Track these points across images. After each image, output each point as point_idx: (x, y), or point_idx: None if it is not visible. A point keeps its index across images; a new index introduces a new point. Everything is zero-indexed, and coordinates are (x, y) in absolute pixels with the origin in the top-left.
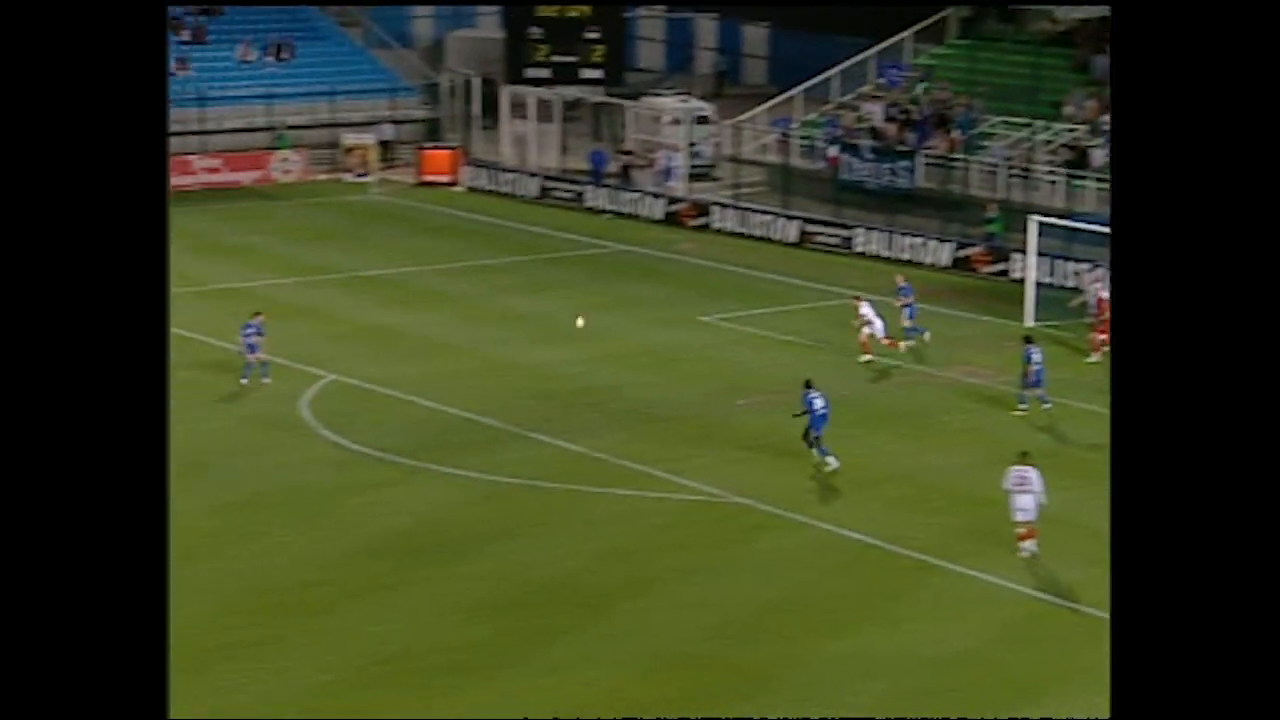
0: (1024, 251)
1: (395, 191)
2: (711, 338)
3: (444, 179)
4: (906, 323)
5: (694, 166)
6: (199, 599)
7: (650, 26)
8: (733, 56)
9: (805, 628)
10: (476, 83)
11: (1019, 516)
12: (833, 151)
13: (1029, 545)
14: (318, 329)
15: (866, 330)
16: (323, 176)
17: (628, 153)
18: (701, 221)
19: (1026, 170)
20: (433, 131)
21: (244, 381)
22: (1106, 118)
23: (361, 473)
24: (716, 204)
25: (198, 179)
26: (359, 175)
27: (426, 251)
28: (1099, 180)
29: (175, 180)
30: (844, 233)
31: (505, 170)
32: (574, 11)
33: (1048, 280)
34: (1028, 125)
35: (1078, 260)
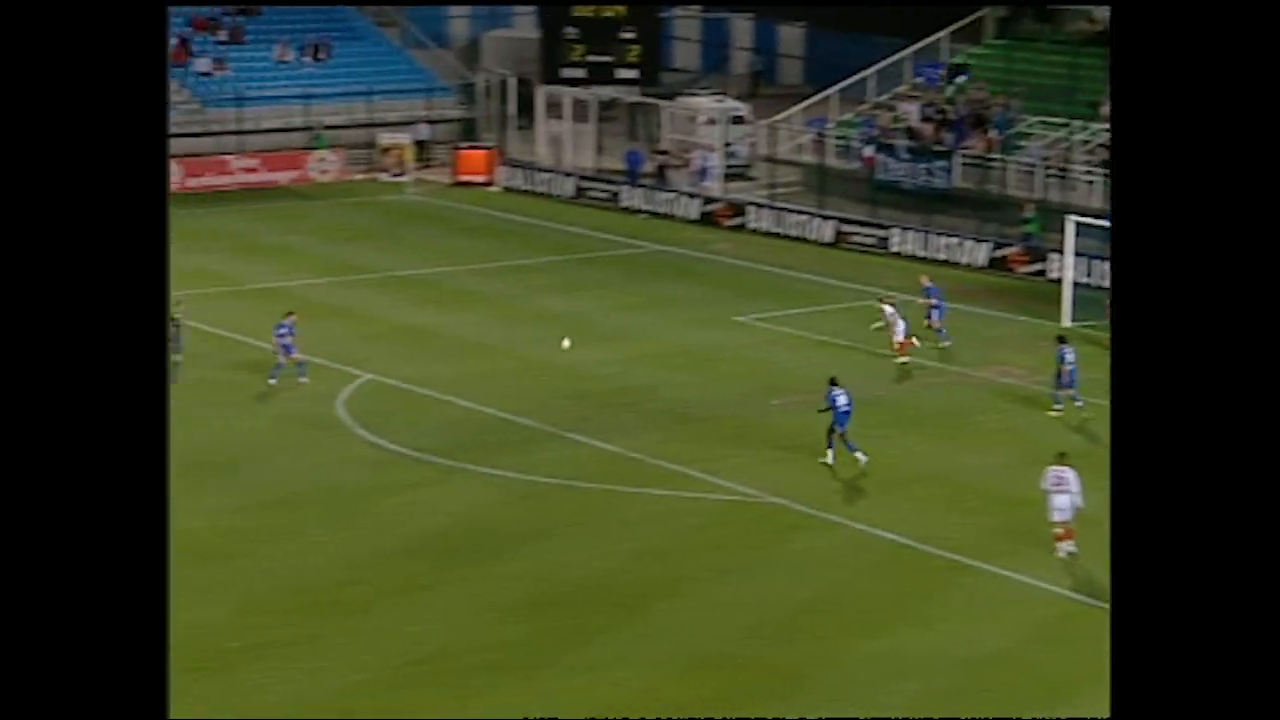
0: (1061, 251)
1: (431, 191)
2: (747, 338)
3: (480, 179)
4: (936, 323)
5: (729, 166)
6: (234, 597)
7: (686, 26)
8: (768, 56)
9: (839, 628)
10: (512, 83)
11: (1056, 516)
12: (868, 151)
13: (1067, 546)
14: (354, 329)
15: (894, 332)
16: (359, 176)
17: (663, 153)
18: (737, 221)
19: (1064, 170)
20: (469, 131)
21: (272, 382)
22: None
23: (397, 472)
24: (752, 204)
25: (235, 179)
26: (395, 175)
27: (462, 251)
28: None
29: (213, 180)
30: (880, 233)
31: (541, 170)
32: (610, 11)
33: (1085, 280)
34: (1065, 125)
35: None
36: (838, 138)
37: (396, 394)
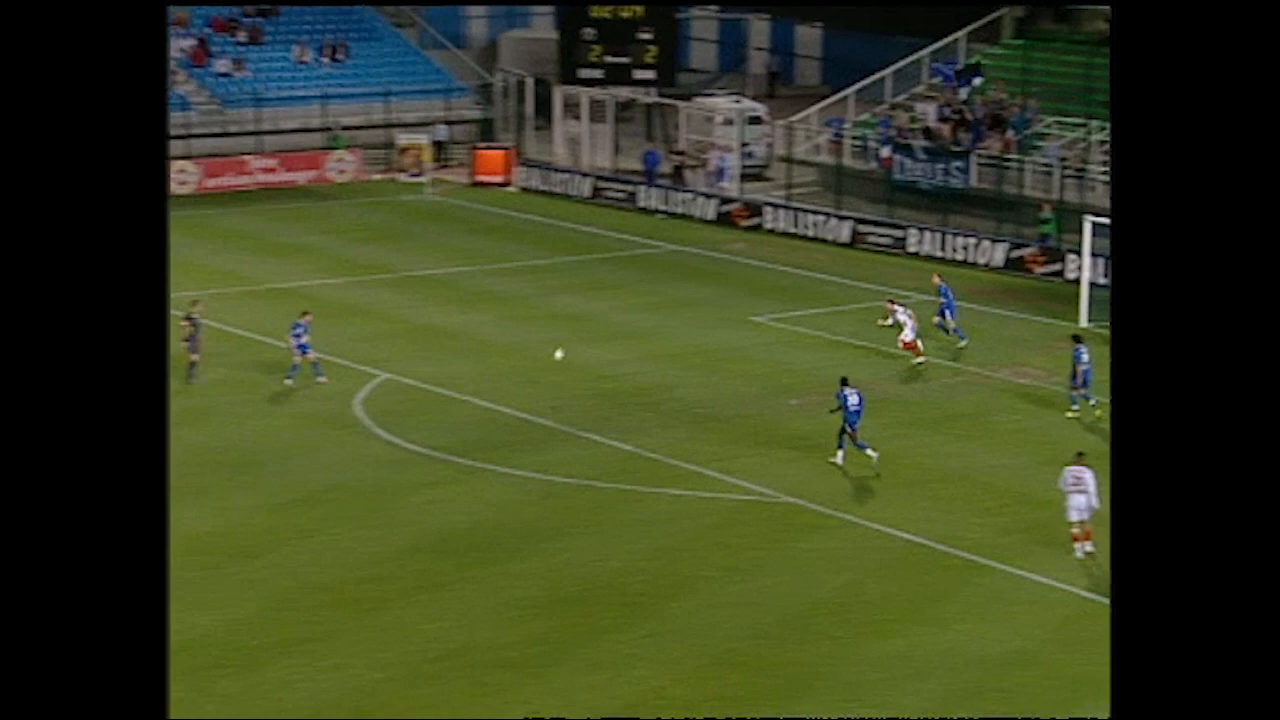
0: (1079, 252)
1: (449, 191)
2: (763, 338)
3: (497, 179)
4: (950, 323)
5: (746, 167)
6: (255, 596)
7: (703, 27)
8: (785, 57)
9: (854, 627)
10: (530, 83)
11: (1073, 516)
12: (886, 152)
13: (1084, 546)
14: (371, 328)
15: (904, 333)
16: (377, 176)
17: (680, 153)
18: (754, 222)
19: (1081, 171)
20: (486, 132)
21: (289, 382)
22: None
23: (415, 472)
24: (769, 204)
25: (254, 179)
26: (413, 175)
27: (480, 251)
28: None
29: (232, 180)
30: (897, 233)
31: (558, 170)
32: (627, 12)
33: (1102, 281)
34: (1082, 125)
35: None
36: (855, 138)
37: (414, 393)
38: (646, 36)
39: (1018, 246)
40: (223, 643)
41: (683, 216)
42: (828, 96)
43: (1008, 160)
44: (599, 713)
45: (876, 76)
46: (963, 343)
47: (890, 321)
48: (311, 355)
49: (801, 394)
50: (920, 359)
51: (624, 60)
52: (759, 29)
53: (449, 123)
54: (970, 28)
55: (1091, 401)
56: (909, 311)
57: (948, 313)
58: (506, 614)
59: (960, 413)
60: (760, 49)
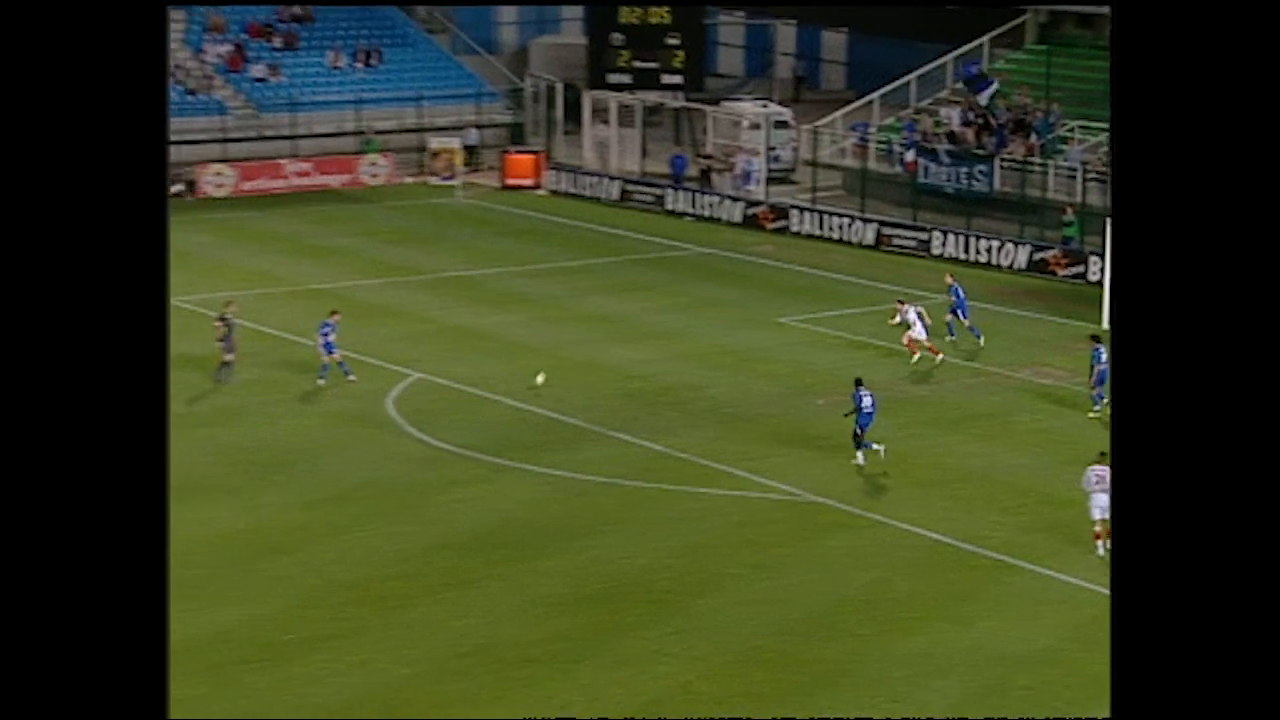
0: (1101, 254)
1: (480, 194)
2: (789, 338)
3: (527, 182)
4: (964, 322)
5: (773, 170)
6: (287, 592)
7: (730, 33)
8: (811, 62)
9: (878, 625)
10: (559, 88)
11: (1096, 515)
12: (910, 155)
13: (1107, 544)
14: (403, 329)
15: (910, 333)
16: (409, 180)
17: (707, 157)
18: (780, 224)
19: (1103, 174)
20: (517, 136)
21: (321, 381)
22: None
23: (446, 470)
24: (795, 207)
25: (289, 182)
26: (445, 178)
27: (510, 253)
28: None
29: (267, 184)
30: (921, 236)
31: (587, 174)
32: (655, 18)
33: None
34: (1104, 130)
35: None
36: (879, 142)
37: (446, 393)
38: (674, 42)
39: (1041, 249)
40: (251, 638)
41: (710, 219)
42: (853, 101)
43: (1031, 164)
44: (625, 708)
45: (901, 81)
46: (980, 341)
47: (898, 320)
48: (337, 355)
49: (827, 394)
50: (917, 356)
51: (652, 65)
52: (785, 34)
53: (480, 127)
54: (994, 33)
55: (1106, 400)
56: (919, 310)
57: (959, 312)
58: (533, 611)
59: (982, 413)
60: (786, 54)
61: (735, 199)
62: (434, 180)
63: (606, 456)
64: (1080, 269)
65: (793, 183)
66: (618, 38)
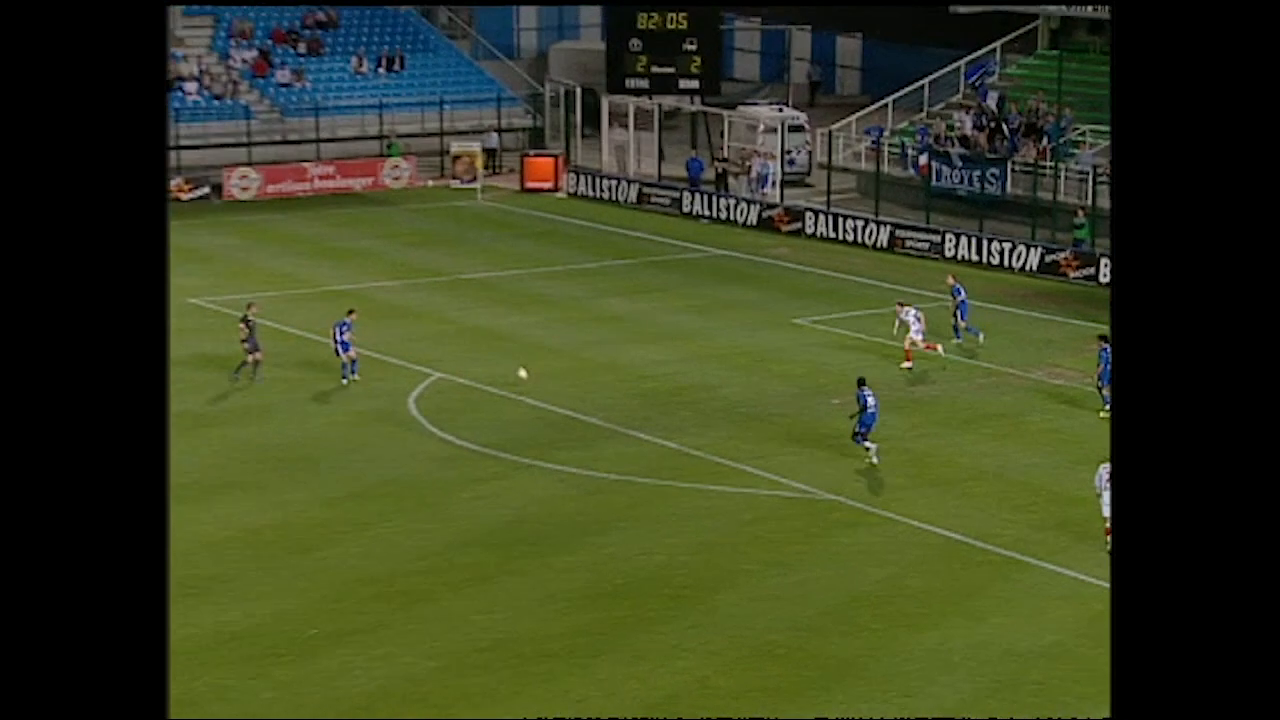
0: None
1: (500, 197)
2: (803, 340)
3: (546, 185)
4: (962, 322)
5: (788, 174)
6: (313, 587)
7: (746, 38)
8: (826, 67)
9: (890, 621)
10: (578, 93)
11: (1108, 512)
12: (923, 159)
13: None
14: (425, 329)
15: (908, 336)
16: (431, 183)
17: (724, 160)
18: (795, 227)
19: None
20: (536, 140)
21: (345, 381)
22: None
23: (466, 467)
24: (810, 210)
25: (313, 185)
26: (466, 182)
27: (529, 255)
28: None
29: (291, 187)
30: (934, 238)
31: (605, 177)
32: (673, 24)
33: None
34: None
35: None
36: (893, 146)
37: (466, 392)
38: (691, 47)
39: (1052, 251)
40: (278, 632)
41: (726, 222)
42: (867, 105)
43: (1043, 167)
44: (642, 703)
45: (914, 86)
46: (980, 339)
47: (899, 323)
48: (351, 353)
49: (842, 394)
50: (909, 363)
51: (669, 70)
52: (800, 40)
53: (500, 131)
54: (1005, 39)
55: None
56: (917, 313)
57: (959, 312)
58: (552, 606)
59: (994, 413)
60: (802, 59)
61: (751, 202)
62: (455, 183)
63: (623, 454)
64: (1091, 271)
65: (808, 186)
66: (636, 43)
